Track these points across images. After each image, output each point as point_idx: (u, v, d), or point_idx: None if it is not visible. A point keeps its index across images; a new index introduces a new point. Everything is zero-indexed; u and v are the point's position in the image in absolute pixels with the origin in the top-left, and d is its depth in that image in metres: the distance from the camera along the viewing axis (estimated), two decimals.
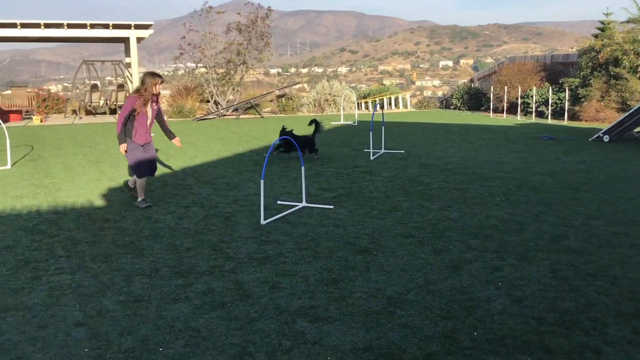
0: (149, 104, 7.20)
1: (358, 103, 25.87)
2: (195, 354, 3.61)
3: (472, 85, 28.23)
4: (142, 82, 7.19)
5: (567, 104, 19.88)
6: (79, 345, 3.74)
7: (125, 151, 7.22)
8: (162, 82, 7.25)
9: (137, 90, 7.23)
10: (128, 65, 23.17)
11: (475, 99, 25.95)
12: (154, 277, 4.94)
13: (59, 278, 4.94)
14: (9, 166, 10.54)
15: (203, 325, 4.01)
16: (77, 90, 25.62)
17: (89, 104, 22.50)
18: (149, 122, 7.28)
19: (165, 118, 7.66)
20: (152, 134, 7.49)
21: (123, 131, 7.17)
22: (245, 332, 3.90)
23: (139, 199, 7.46)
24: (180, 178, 9.40)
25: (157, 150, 7.70)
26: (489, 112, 23.43)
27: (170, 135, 7.65)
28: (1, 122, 11.86)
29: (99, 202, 7.79)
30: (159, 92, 7.33)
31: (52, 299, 4.50)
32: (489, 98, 23.79)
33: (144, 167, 7.35)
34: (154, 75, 7.23)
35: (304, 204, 7.42)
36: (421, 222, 6.62)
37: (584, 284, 4.72)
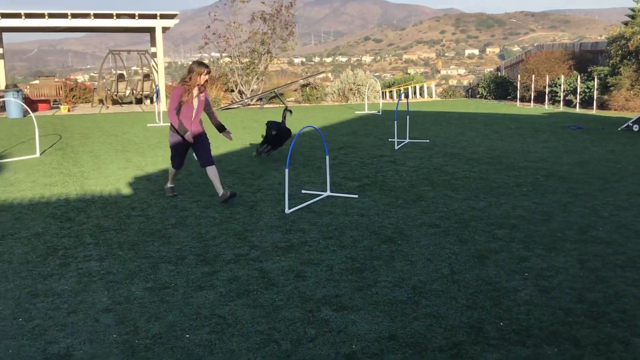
0: (195, 94, 6.95)
1: (382, 92, 25.73)
2: (221, 341, 3.65)
3: (499, 74, 27.88)
4: (189, 71, 6.96)
5: (595, 92, 19.53)
6: (107, 330, 3.81)
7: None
8: (207, 72, 6.98)
9: (183, 80, 7.03)
10: (154, 55, 23.34)
11: (501, 88, 25.64)
12: (180, 265, 5.00)
13: (88, 265, 5.02)
14: (37, 155, 10.72)
15: (229, 313, 4.05)
16: (104, 80, 25.89)
17: (116, 93, 22.73)
18: (194, 113, 7.01)
19: (219, 120, 7.32)
20: (202, 127, 7.15)
21: (181, 121, 6.95)
22: (270, 320, 3.92)
23: (167, 185, 7.49)
24: None
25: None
26: (516, 101, 23.14)
27: (220, 127, 7.32)
28: (30, 112, 12.05)
29: (126, 190, 7.89)
30: (206, 83, 7.05)
31: (80, 285, 4.58)
32: (516, 87, 23.49)
33: (178, 160, 7.22)
34: (200, 64, 6.96)
35: (328, 193, 7.42)
36: (446, 211, 6.58)
37: (613, 275, 4.65)
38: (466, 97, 28.19)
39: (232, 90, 23.56)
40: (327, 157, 7.54)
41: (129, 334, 3.76)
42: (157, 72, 22.51)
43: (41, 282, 4.65)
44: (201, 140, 7.10)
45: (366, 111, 19.34)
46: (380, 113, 18.62)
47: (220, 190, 7.05)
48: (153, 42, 23.39)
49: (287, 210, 6.63)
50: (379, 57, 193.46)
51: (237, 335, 3.73)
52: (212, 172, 7.08)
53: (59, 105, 21.76)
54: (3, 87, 20.47)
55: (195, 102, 7.01)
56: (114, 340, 3.68)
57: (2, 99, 17.20)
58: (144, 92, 22.92)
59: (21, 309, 4.14)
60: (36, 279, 4.72)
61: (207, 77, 6.97)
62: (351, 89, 24.46)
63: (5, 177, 8.81)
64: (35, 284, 4.60)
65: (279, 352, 3.49)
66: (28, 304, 4.22)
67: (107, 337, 3.72)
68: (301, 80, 25.48)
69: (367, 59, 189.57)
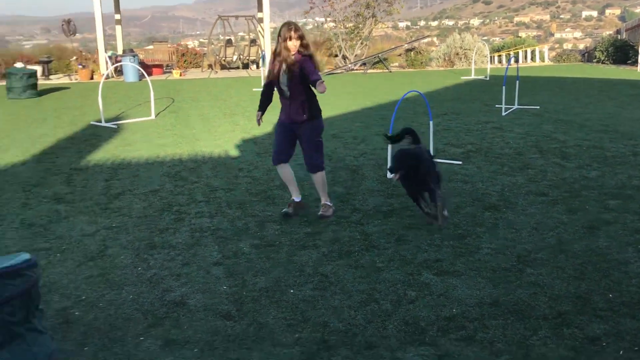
0: (284, 67, 5.07)
1: (490, 57, 24.81)
2: (323, 297, 3.77)
3: (619, 37, 26.06)
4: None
5: None
6: (218, 282, 4.04)
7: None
8: (295, 36, 4.99)
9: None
10: (260, 20, 23.75)
11: (621, 52, 23.95)
12: (284, 225, 5.17)
13: (199, 221, 5.31)
14: (153, 117, 11.32)
15: (331, 272, 4.17)
16: (213, 46, 26.69)
17: (224, 58, 23.40)
18: (287, 91, 5.12)
19: (314, 77, 4.94)
20: (304, 115, 5.13)
21: (262, 99, 5.40)
22: (371, 281, 4.00)
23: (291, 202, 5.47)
24: None
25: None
26: (637, 66, 21.59)
27: (314, 83, 4.92)
28: (146, 75, 12.71)
29: (234, 152, 8.19)
30: (302, 48, 5.04)
31: (193, 239, 4.86)
32: (637, 51, 21.87)
33: (275, 149, 5.40)
34: (283, 26, 5.07)
35: None
36: (555, 180, 6.34)
37: None
38: (582, 61, 26.62)
39: (336, 55, 23.58)
40: (431, 122, 7.44)
41: (238, 286, 3.97)
42: (263, 37, 22.91)
43: (158, 235, 4.98)
44: (305, 132, 5.22)
45: (472, 76, 18.76)
46: (488, 78, 18.01)
47: (324, 199, 5.46)
48: (260, 8, 23.77)
49: (389, 175, 6.65)
50: (488, 20, 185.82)
51: (339, 293, 3.84)
52: (318, 179, 5.38)
53: (172, 70, 22.72)
54: (121, 52, 21.63)
55: (284, 77, 5.10)
56: (224, 291, 3.91)
57: (120, 63, 18.22)
58: (251, 57, 23.44)
59: (140, 259, 4.47)
60: (153, 232, 5.06)
61: (297, 41, 5.00)
62: (457, 54, 23.77)
63: (124, 137, 9.40)
64: (152, 237, 4.94)
65: (379, 312, 3.57)
66: (146, 255, 4.55)
67: (218, 288, 3.95)
68: (405, 45, 25.05)
69: (476, 22, 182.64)
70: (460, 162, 7.22)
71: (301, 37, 5.01)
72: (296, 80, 5.03)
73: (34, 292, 2.74)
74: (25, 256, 2.71)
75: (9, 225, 5.28)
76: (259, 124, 5.53)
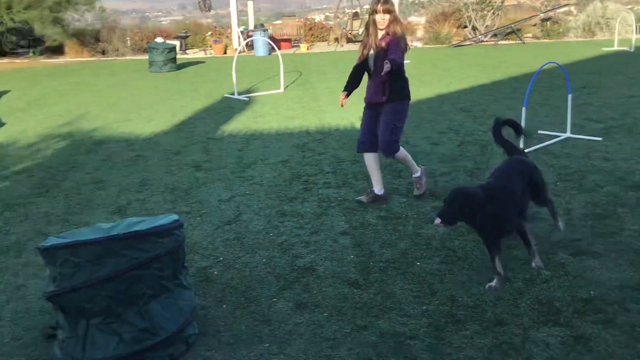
0: (373, 45, 4.90)
1: (636, 26, 22.89)
2: (451, 272, 3.74)
3: None
4: None
5: None
6: (345, 252, 4.13)
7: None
8: (378, 10, 4.77)
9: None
10: None
11: None
12: (410, 197, 5.16)
13: (327, 191, 5.43)
14: (282, 90, 11.63)
15: (458, 247, 4.12)
16: (339, 19, 26.77)
17: (350, 32, 23.44)
18: (371, 68, 4.97)
19: (390, 56, 4.64)
20: (383, 96, 4.91)
21: (348, 80, 5.29)
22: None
23: (372, 188, 5.14)
24: (435, 104, 9.45)
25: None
26: None
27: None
28: (276, 49, 13.04)
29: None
30: (391, 24, 4.80)
31: (321, 209, 4.98)
32: None
33: (360, 134, 5.22)
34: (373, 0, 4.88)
35: (568, 134, 6.97)
36: None
37: None
38: None
39: (465, 27, 22.83)
40: (570, 96, 7.04)
41: (365, 256, 4.03)
42: None
43: (287, 203, 5.15)
44: (384, 114, 4.97)
45: (615, 47, 17.44)
46: (633, 50, 16.67)
47: (415, 171, 5.20)
48: None
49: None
50: None
51: (467, 268, 3.79)
52: (399, 159, 5.18)
53: (299, 44, 23.12)
54: (252, 27, 22.31)
55: (371, 55, 4.93)
56: (351, 260, 3.98)
57: (251, 38, 18.82)
58: None
59: (271, 226, 4.66)
60: (283, 200, 5.24)
61: (385, 15, 4.77)
62: (599, 23, 22.17)
63: (255, 109, 9.75)
64: (282, 205, 5.12)
65: (510, 289, 3.48)
66: (277, 222, 4.73)
67: (345, 257, 4.03)
68: (541, 14, 23.73)
69: None
70: (600, 139, 6.79)
71: (389, 11, 4.76)
72: (381, 58, 4.73)
73: (180, 250, 2.95)
74: (174, 217, 2.92)
75: (155, 189, 5.70)
76: (342, 105, 5.30)
